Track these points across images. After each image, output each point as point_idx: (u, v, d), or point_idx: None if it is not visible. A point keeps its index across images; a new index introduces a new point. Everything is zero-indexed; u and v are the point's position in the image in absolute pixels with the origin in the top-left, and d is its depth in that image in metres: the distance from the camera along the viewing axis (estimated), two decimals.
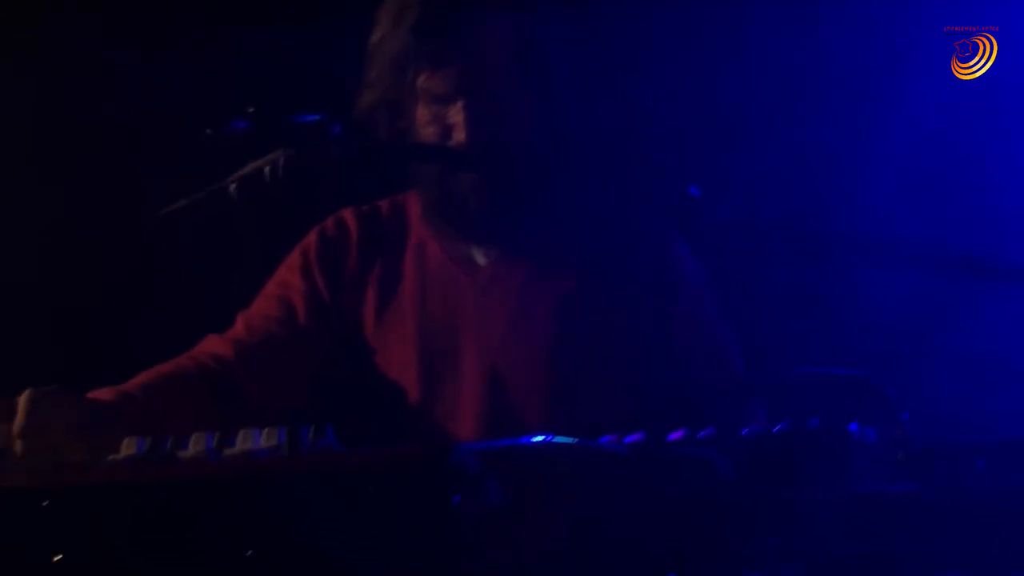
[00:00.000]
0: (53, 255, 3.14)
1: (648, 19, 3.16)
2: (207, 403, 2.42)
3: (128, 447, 1.73)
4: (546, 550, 1.69)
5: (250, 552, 1.42)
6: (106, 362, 2.47)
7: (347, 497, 1.40)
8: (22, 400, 2.05)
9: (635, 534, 1.64)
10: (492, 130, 2.42)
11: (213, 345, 2.51)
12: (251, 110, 2.19)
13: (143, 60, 3.11)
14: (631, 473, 1.76)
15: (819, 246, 2.24)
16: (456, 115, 2.41)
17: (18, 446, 2.02)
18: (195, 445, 1.68)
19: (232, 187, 2.17)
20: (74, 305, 3.12)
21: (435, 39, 2.40)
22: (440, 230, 2.54)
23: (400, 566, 1.33)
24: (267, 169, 2.20)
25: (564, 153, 2.53)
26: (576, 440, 1.71)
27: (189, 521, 1.50)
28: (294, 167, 2.20)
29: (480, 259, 2.53)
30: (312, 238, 2.60)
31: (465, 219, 2.49)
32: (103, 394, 2.29)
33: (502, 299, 2.49)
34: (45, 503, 1.55)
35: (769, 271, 2.75)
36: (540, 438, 1.68)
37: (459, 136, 2.41)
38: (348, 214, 2.62)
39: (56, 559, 1.55)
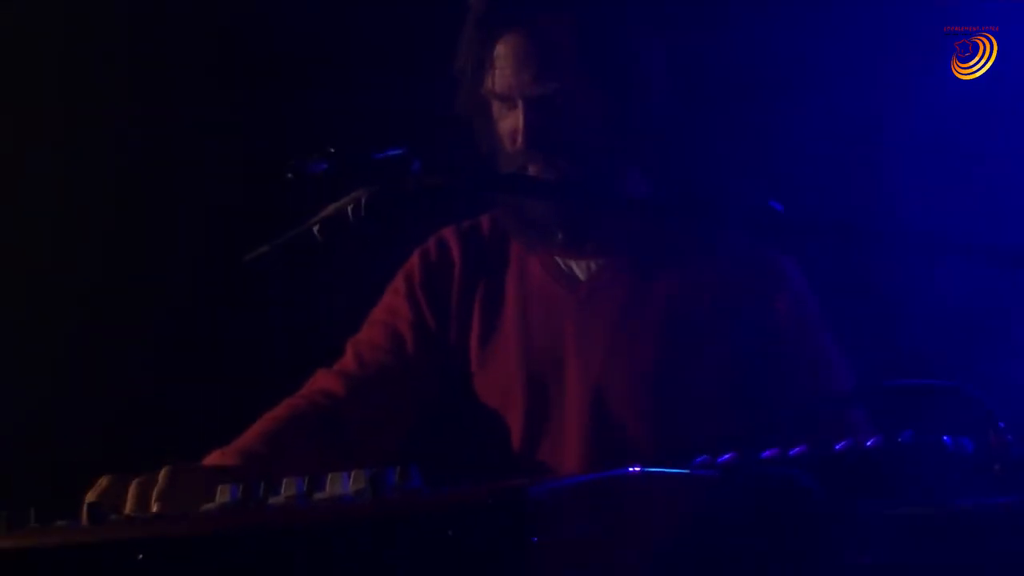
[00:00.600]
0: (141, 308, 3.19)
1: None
2: (327, 442, 2.45)
3: (222, 494, 1.76)
4: None
5: None
6: (211, 418, 2.50)
7: (429, 540, 1.41)
8: (162, 473, 2.08)
9: (722, 556, 1.63)
10: (553, 134, 2.41)
11: (324, 381, 2.53)
12: (331, 150, 2.22)
13: (217, 102, 3.16)
14: (719, 496, 1.76)
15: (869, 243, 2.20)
16: (517, 119, 2.42)
17: (155, 507, 2.05)
18: (286, 491, 1.70)
19: (316, 228, 2.19)
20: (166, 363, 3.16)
21: (496, 33, 2.42)
22: (532, 248, 2.54)
23: None
24: (350, 208, 2.22)
25: (649, 156, 2.51)
26: (662, 468, 1.71)
27: (279, 569, 1.53)
28: (376, 205, 2.23)
29: (580, 274, 2.52)
30: (415, 261, 2.61)
31: (547, 237, 2.49)
32: (225, 458, 2.33)
33: (604, 315, 2.48)
34: (139, 556, 1.58)
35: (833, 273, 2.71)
36: (630, 468, 1.69)
37: (518, 142, 2.42)
38: (449, 234, 2.63)
39: None
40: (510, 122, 2.43)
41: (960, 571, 1.76)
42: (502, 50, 2.42)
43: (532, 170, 2.43)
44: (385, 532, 1.44)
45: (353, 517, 1.50)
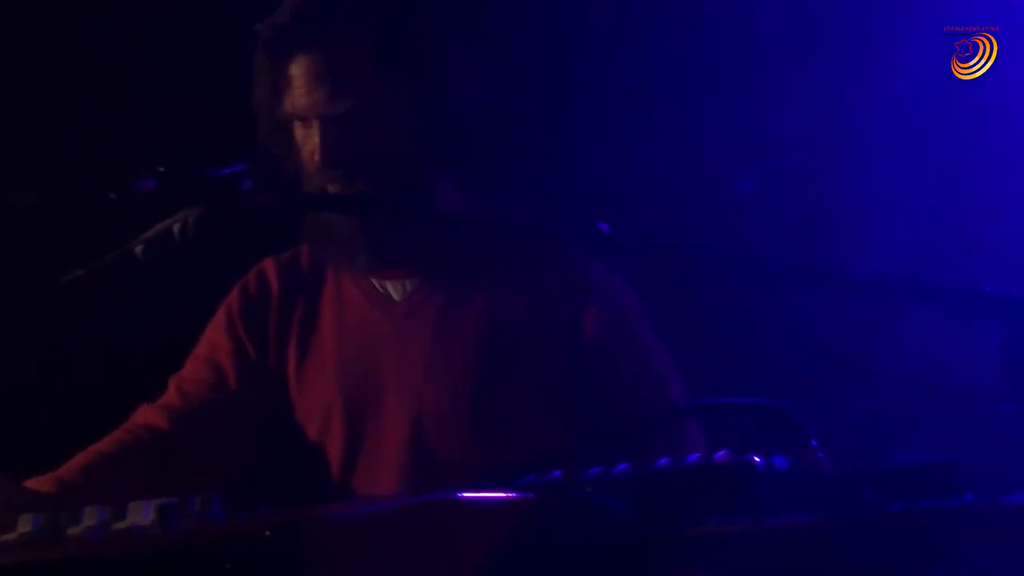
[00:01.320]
0: None
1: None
2: (149, 477, 2.41)
3: (23, 524, 1.73)
4: None
5: None
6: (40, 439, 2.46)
7: (209, 572, 1.40)
8: None
9: None
10: (350, 152, 2.38)
11: (146, 416, 2.49)
12: (160, 168, 2.19)
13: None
14: (533, 520, 1.76)
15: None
16: (315, 138, 2.38)
17: None
18: (86, 520, 1.68)
19: (138, 249, 2.17)
20: None
21: (287, 55, 2.38)
22: (341, 269, 2.51)
23: None
24: (176, 228, 2.19)
25: (460, 170, 2.49)
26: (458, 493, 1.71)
27: None
28: (204, 225, 2.20)
29: (396, 294, 2.50)
30: (234, 295, 2.59)
31: (351, 257, 2.46)
32: (41, 484, 2.29)
33: (419, 336, 2.46)
34: None
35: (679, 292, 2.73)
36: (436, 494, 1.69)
37: (316, 161, 2.38)
38: (268, 264, 2.61)
39: None
40: (310, 142, 2.41)
41: None
42: (295, 71, 2.39)
43: (332, 190, 2.40)
44: (167, 564, 1.43)
45: (138, 548, 1.48)
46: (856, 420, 2.51)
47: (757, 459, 1.78)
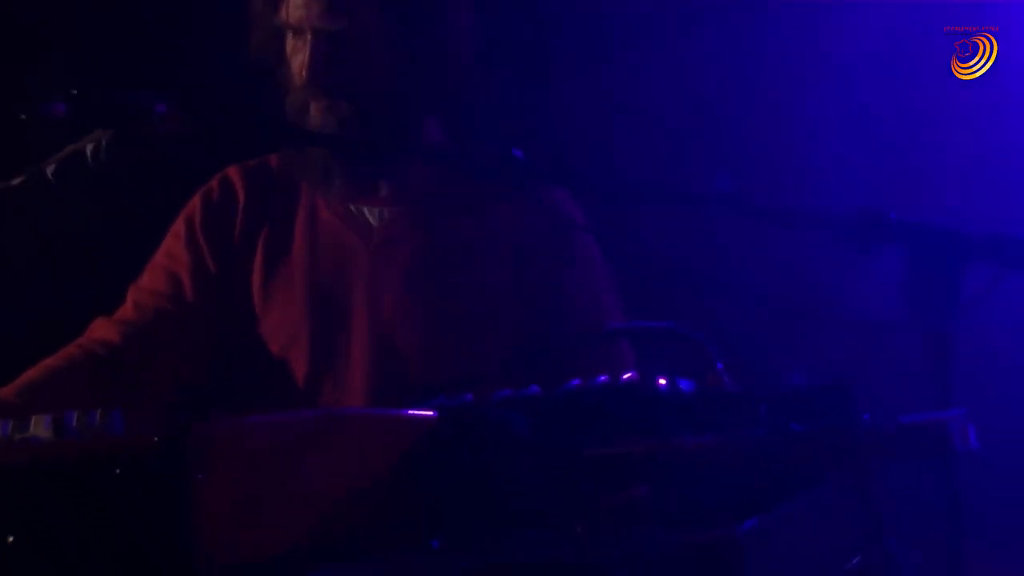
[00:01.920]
0: None
1: None
2: (100, 390, 2.40)
3: None
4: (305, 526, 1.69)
5: (11, 539, 1.42)
6: None
7: (100, 480, 1.40)
8: None
9: (416, 499, 1.65)
10: (338, 71, 2.37)
11: (100, 330, 2.48)
12: (72, 92, 2.16)
13: None
14: (431, 438, 1.77)
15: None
16: (306, 52, 2.37)
17: None
18: None
19: (49, 170, 2.15)
20: None
21: None
22: (316, 190, 2.49)
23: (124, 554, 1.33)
24: (89, 149, 2.17)
25: (447, 108, 2.50)
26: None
27: None
28: (117, 147, 2.18)
29: (372, 220, 2.49)
30: (196, 203, 2.54)
31: (326, 182, 2.46)
32: None
33: (395, 264, 2.46)
34: None
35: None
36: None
37: (303, 74, 2.38)
38: (234, 172, 2.56)
39: None
40: (299, 56, 2.39)
41: (677, 506, 1.81)
42: None
43: (314, 107, 2.39)
44: (61, 472, 1.43)
45: (33, 457, 1.48)
46: (759, 345, 2.53)
47: (662, 381, 1.80)
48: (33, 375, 2.39)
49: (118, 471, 1.35)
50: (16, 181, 2.14)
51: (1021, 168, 2.96)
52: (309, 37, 2.37)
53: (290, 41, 2.41)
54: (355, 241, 2.48)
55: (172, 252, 2.53)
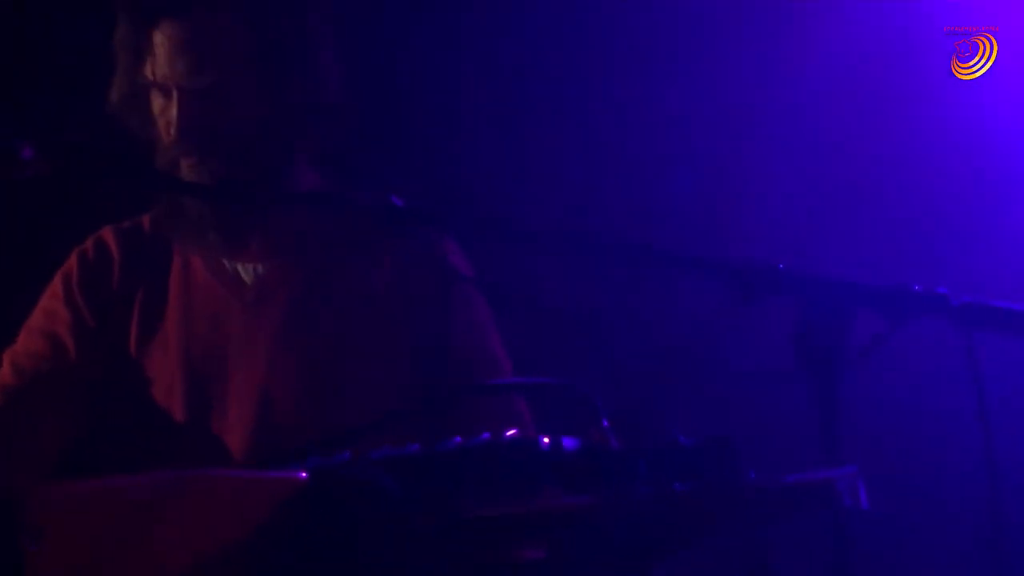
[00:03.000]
0: None
1: None
2: None
3: None
4: None
5: None
6: None
7: None
8: None
9: (279, 565, 1.57)
10: (208, 128, 2.32)
11: None
12: None
13: None
14: (300, 502, 1.70)
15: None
16: (172, 108, 2.32)
17: None
18: None
19: None
20: None
21: (150, 21, 2.32)
22: (189, 248, 2.45)
23: None
24: None
25: (316, 148, 2.45)
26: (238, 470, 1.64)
27: None
28: None
29: (246, 277, 2.44)
30: (72, 263, 2.49)
31: (201, 237, 2.41)
32: None
33: (270, 319, 2.41)
34: None
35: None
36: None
37: (171, 132, 2.32)
38: (107, 233, 2.51)
39: None
40: (167, 114, 2.34)
41: (555, 568, 1.75)
42: (158, 38, 2.33)
43: (185, 165, 2.34)
44: None
45: None
46: (647, 396, 2.48)
47: (545, 439, 1.74)
48: None
49: None
50: None
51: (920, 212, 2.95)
52: (176, 95, 2.32)
53: (156, 98, 2.37)
54: (229, 298, 2.43)
55: (52, 312, 2.47)
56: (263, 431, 2.36)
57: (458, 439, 1.76)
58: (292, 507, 1.64)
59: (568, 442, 1.77)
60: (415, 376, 2.41)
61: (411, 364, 2.41)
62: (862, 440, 1.81)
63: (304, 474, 1.71)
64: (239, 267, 2.45)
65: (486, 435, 1.76)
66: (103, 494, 1.38)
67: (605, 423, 1.84)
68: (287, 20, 2.39)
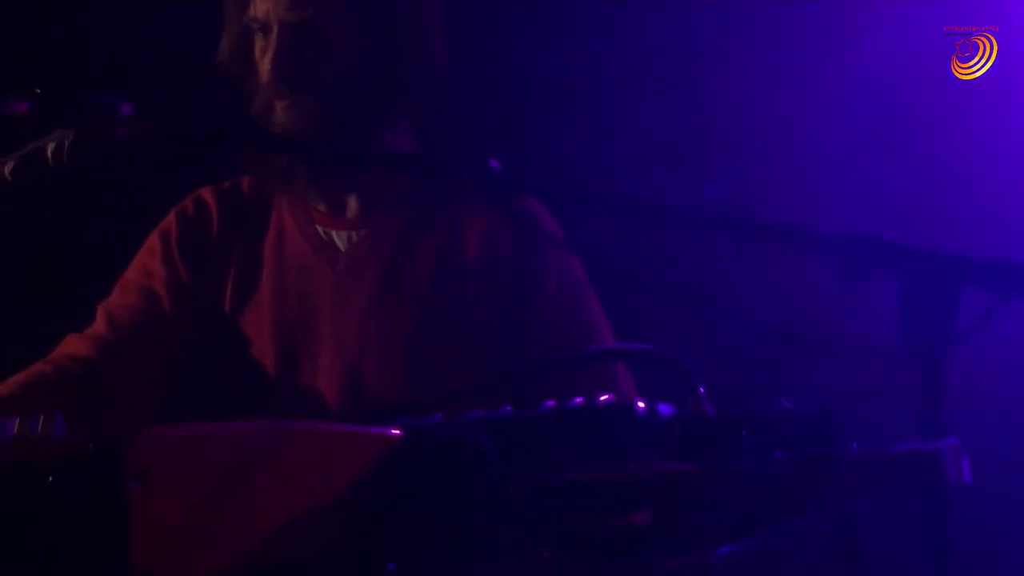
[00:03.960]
0: None
1: None
2: (75, 405, 2.32)
3: None
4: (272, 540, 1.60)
5: None
6: None
7: (34, 486, 1.31)
8: None
9: (375, 520, 1.55)
10: (305, 65, 2.33)
11: (73, 346, 2.43)
12: (37, 90, 2.08)
13: None
14: (397, 459, 1.68)
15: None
16: (271, 45, 2.33)
17: None
18: None
19: (7, 168, 2.06)
20: None
21: None
22: (302, 212, 2.45)
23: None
24: (50, 149, 2.10)
25: (418, 112, 2.44)
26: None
27: None
28: (79, 148, 2.10)
29: (340, 244, 2.44)
30: (171, 221, 2.51)
31: (292, 182, 2.39)
32: None
33: (361, 288, 2.41)
34: None
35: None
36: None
37: (268, 69, 2.33)
38: (207, 193, 2.52)
39: None
40: (267, 54, 2.34)
41: (643, 536, 1.72)
42: None
43: (279, 107, 2.34)
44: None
45: None
46: (746, 370, 2.45)
47: (641, 404, 1.72)
48: (4, 390, 2.34)
49: (50, 478, 1.26)
50: None
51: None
52: (275, 31, 2.32)
53: (259, 42, 2.37)
54: (321, 266, 2.43)
55: (147, 268, 2.49)
56: (352, 397, 2.37)
57: (551, 403, 1.75)
58: (388, 463, 1.63)
59: (664, 408, 1.74)
60: (508, 342, 2.40)
61: (504, 330, 2.40)
62: (967, 417, 1.77)
63: (398, 432, 1.70)
64: (334, 234, 2.45)
65: (579, 399, 1.74)
66: (210, 438, 1.37)
67: (701, 390, 1.82)
68: None
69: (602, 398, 1.74)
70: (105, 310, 2.47)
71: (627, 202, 2.06)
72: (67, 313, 2.48)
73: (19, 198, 2.07)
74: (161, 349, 2.44)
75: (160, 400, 2.45)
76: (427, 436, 1.69)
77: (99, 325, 2.45)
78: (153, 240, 2.50)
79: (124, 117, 2.11)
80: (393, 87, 2.39)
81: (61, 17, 2.88)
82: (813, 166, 2.95)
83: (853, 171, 2.94)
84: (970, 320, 1.77)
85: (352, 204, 2.44)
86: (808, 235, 1.91)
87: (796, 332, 2.14)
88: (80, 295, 2.51)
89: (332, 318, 2.40)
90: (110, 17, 2.37)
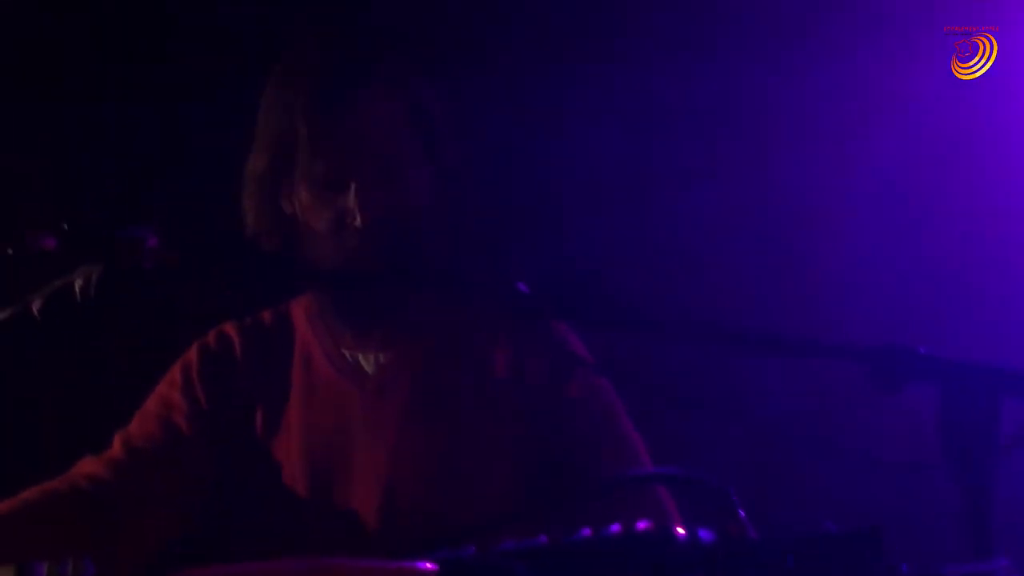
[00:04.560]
0: None
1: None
2: (88, 526, 2.34)
3: None
4: None
5: None
6: None
7: None
8: None
9: None
10: (389, 209, 2.33)
11: (89, 467, 2.41)
12: (64, 226, 2.09)
13: None
14: None
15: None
16: (350, 200, 2.32)
17: None
18: None
19: (36, 305, 2.07)
20: None
21: (322, 122, 2.32)
22: (327, 337, 2.46)
23: None
24: (78, 285, 2.10)
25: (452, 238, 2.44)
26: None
27: None
28: (105, 284, 2.11)
29: (367, 367, 2.44)
30: (193, 354, 2.51)
31: (357, 318, 2.41)
32: None
33: (392, 409, 2.40)
34: None
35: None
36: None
37: (355, 222, 2.31)
38: (230, 327, 2.53)
39: None
40: (332, 208, 2.33)
41: None
42: (316, 131, 2.31)
43: (347, 255, 2.32)
44: None
45: None
46: (785, 488, 2.41)
47: (680, 530, 1.69)
48: (12, 507, 2.32)
49: None
50: (1, 316, 2.05)
51: None
52: (354, 184, 2.30)
53: (308, 200, 2.35)
54: (350, 389, 2.42)
55: (169, 400, 2.48)
56: (386, 518, 2.35)
57: (587, 530, 1.72)
58: None
59: (705, 534, 1.71)
60: (542, 467, 2.37)
61: (536, 455, 2.38)
62: (1015, 534, 1.73)
63: (432, 566, 1.67)
64: (360, 356, 2.45)
65: (616, 526, 1.71)
66: None
67: (742, 513, 1.79)
68: (437, 103, 2.40)
69: (640, 524, 1.71)
70: (123, 437, 2.46)
71: (656, 321, 2.05)
72: (87, 437, 2.47)
73: (47, 333, 2.07)
74: (178, 477, 2.43)
75: (176, 524, 2.43)
76: (462, 568, 1.66)
77: (116, 450, 2.45)
78: (175, 373, 2.50)
79: (150, 250, 2.13)
80: (447, 209, 2.41)
81: (85, 149, 2.92)
82: (839, 275, 2.94)
83: (882, 280, 2.92)
84: (1012, 431, 1.74)
85: (378, 329, 2.44)
86: (843, 348, 1.89)
87: (833, 445, 2.12)
88: (95, 426, 2.50)
89: (363, 441, 2.39)
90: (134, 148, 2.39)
